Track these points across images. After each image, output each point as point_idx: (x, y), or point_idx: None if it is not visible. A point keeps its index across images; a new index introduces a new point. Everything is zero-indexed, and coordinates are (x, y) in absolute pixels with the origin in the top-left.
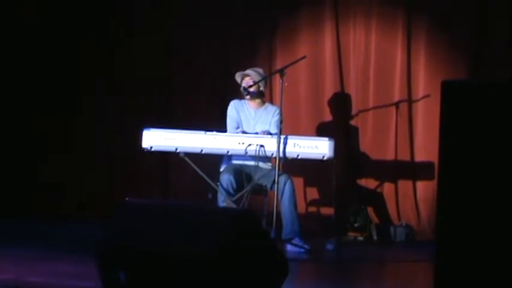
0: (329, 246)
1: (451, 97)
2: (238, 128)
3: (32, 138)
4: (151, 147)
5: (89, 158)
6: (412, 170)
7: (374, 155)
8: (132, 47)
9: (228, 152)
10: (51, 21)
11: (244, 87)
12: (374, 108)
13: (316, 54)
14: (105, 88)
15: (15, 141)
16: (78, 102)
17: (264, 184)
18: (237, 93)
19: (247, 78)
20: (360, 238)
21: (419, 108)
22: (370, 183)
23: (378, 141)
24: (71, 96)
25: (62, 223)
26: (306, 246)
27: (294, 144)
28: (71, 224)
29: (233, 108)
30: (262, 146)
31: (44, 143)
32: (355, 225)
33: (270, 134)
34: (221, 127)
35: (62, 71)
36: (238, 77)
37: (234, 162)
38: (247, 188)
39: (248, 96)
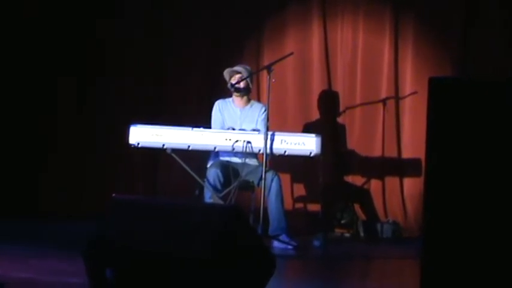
0: (316, 243)
1: (438, 94)
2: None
3: (32, 138)
4: (138, 144)
5: (88, 157)
6: (399, 167)
7: (361, 151)
8: (129, 47)
9: (215, 148)
10: (51, 21)
11: (231, 83)
12: (361, 105)
13: (303, 52)
14: (104, 88)
15: (15, 141)
16: (77, 101)
17: (251, 180)
18: (225, 90)
19: (238, 76)
20: (347, 235)
21: (407, 105)
22: (357, 179)
23: (365, 138)
24: (70, 96)
25: (58, 222)
26: (292, 242)
27: (281, 140)
28: (66, 222)
29: (217, 111)
30: (249, 142)
31: (44, 143)
32: (342, 221)
33: (258, 131)
34: (209, 124)
35: (61, 70)
36: (226, 74)
37: (221, 158)
38: (234, 184)
39: (236, 93)
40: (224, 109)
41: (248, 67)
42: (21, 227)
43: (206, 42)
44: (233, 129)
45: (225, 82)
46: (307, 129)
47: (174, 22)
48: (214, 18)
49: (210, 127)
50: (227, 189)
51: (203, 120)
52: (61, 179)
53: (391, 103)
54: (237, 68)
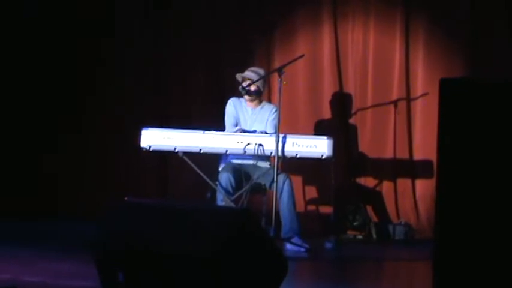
0: (328, 245)
1: (450, 95)
2: (236, 125)
3: (32, 139)
4: (150, 147)
5: (88, 158)
6: (410, 168)
7: (373, 153)
8: (131, 47)
9: (226, 151)
10: (51, 21)
11: (242, 86)
12: (372, 106)
13: (314, 53)
14: (105, 88)
15: (15, 141)
16: (78, 102)
17: (262, 183)
18: (235, 93)
19: (249, 81)
20: (359, 237)
21: (418, 106)
22: (369, 181)
23: (377, 140)
24: (71, 96)
25: (62, 223)
26: (305, 245)
27: (293, 143)
28: (70, 223)
29: (231, 106)
30: (260, 145)
31: (44, 143)
32: (354, 223)
33: (266, 133)
34: (219, 127)
35: (62, 70)
36: (239, 77)
37: (233, 161)
38: (246, 187)
39: (246, 96)
40: (237, 107)
41: (261, 70)
42: (21, 227)
43: (216, 44)
44: (243, 130)
45: (233, 84)
46: (318, 131)
47: (173, 21)
48: (225, 21)
49: (219, 129)
50: (239, 192)
51: (212, 123)
52: (61, 179)
53: (402, 104)
54: (247, 73)
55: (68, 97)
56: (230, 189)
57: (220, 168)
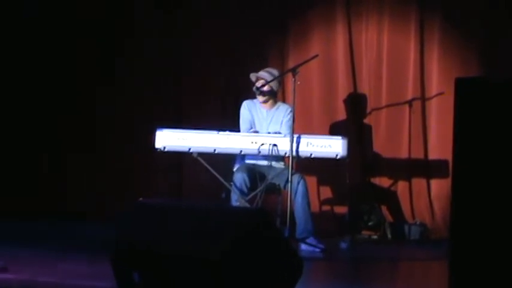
0: (343, 245)
1: (465, 94)
2: (251, 128)
3: (32, 139)
4: (164, 148)
5: (102, 159)
6: (425, 168)
7: (387, 153)
8: (142, 47)
9: (241, 151)
10: (51, 21)
11: (256, 86)
12: (387, 106)
13: (328, 53)
14: (117, 88)
15: (15, 141)
16: (78, 101)
17: (277, 183)
18: (250, 93)
19: (262, 81)
20: (374, 237)
21: (433, 106)
22: (383, 181)
23: (391, 139)
24: (71, 96)
25: (74, 224)
26: (320, 245)
27: (307, 143)
28: (84, 224)
29: (246, 109)
30: (275, 145)
31: (44, 143)
32: (369, 223)
33: (280, 133)
34: (234, 127)
35: (62, 70)
36: (253, 77)
37: (247, 161)
38: (261, 187)
39: (260, 96)
40: (252, 109)
41: (275, 71)
42: (35, 228)
43: (228, 43)
44: (255, 131)
45: (247, 84)
46: (333, 131)
47: (187, 21)
48: (237, 19)
49: (233, 130)
50: (253, 193)
51: (226, 123)
52: (73, 179)
53: (417, 104)
54: (260, 73)
55: (68, 97)
56: (245, 190)
57: (234, 169)
